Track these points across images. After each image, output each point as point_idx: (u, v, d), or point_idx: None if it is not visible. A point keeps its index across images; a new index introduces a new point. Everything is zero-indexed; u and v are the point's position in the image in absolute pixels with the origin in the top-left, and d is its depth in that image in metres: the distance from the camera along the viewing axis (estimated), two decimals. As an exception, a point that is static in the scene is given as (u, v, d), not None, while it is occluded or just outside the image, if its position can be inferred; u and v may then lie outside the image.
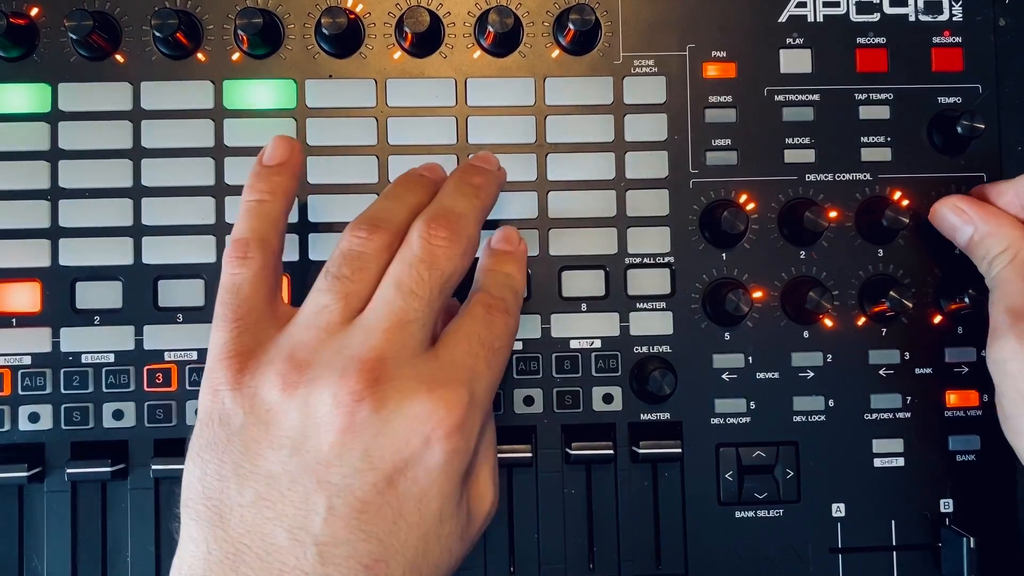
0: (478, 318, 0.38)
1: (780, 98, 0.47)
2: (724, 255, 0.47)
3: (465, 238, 0.38)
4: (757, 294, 0.47)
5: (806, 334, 0.47)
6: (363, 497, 0.33)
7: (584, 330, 0.46)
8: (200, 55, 0.46)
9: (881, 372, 0.47)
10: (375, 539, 0.33)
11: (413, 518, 0.34)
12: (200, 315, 0.45)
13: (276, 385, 0.34)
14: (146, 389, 0.45)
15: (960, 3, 0.48)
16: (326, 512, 0.33)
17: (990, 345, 0.42)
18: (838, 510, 0.47)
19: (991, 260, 0.43)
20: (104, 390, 0.45)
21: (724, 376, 0.47)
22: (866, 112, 0.48)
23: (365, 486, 0.33)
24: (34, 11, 0.45)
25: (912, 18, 0.48)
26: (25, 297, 0.45)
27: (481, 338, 0.37)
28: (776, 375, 0.47)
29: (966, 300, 0.45)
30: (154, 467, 0.44)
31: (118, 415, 0.45)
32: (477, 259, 0.43)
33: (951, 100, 0.48)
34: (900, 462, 0.47)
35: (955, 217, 0.45)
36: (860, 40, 0.48)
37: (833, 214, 0.47)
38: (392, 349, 0.34)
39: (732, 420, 0.46)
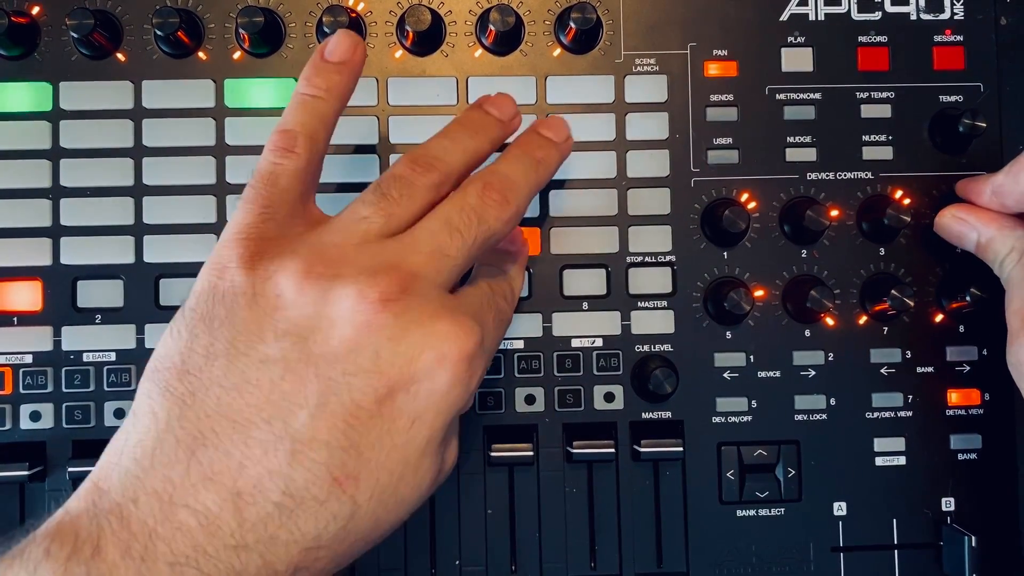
0: (484, 292, 0.38)
1: (781, 97, 0.47)
2: (725, 254, 0.47)
3: (515, 206, 0.37)
4: (758, 293, 0.47)
5: (807, 333, 0.47)
6: (359, 400, 0.32)
7: (585, 329, 0.46)
8: (201, 54, 0.46)
9: (882, 371, 0.47)
10: (355, 451, 0.31)
11: (400, 439, 0.32)
12: (201, 314, 0.45)
13: (297, 273, 0.32)
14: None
15: (961, 2, 0.48)
16: (316, 408, 0.31)
17: (1008, 348, 0.42)
18: (839, 509, 0.47)
19: (1000, 263, 0.43)
20: (105, 389, 0.45)
21: (725, 375, 0.46)
22: (867, 111, 0.48)
23: (366, 388, 0.32)
24: (35, 10, 0.45)
25: (913, 16, 0.48)
26: (26, 296, 0.45)
27: (491, 300, 0.38)
28: (777, 374, 0.47)
29: (967, 299, 0.45)
30: (155, 466, 0.43)
31: (119, 414, 0.45)
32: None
33: (952, 99, 0.48)
34: (902, 461, 0.47)
35: (957, 226, 0.45)
36: (861, 39, 0.48)
37: (834, 213, 0.47)
38: (427, 272, 0.34)
39: (733, 419, 0.46)
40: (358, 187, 0.46)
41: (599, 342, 0.46)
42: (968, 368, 0.47)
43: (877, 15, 0.48)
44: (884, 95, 0.48)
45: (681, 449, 0.45)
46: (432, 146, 0.38)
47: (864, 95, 0.48)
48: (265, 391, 0.31)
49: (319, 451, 0.31)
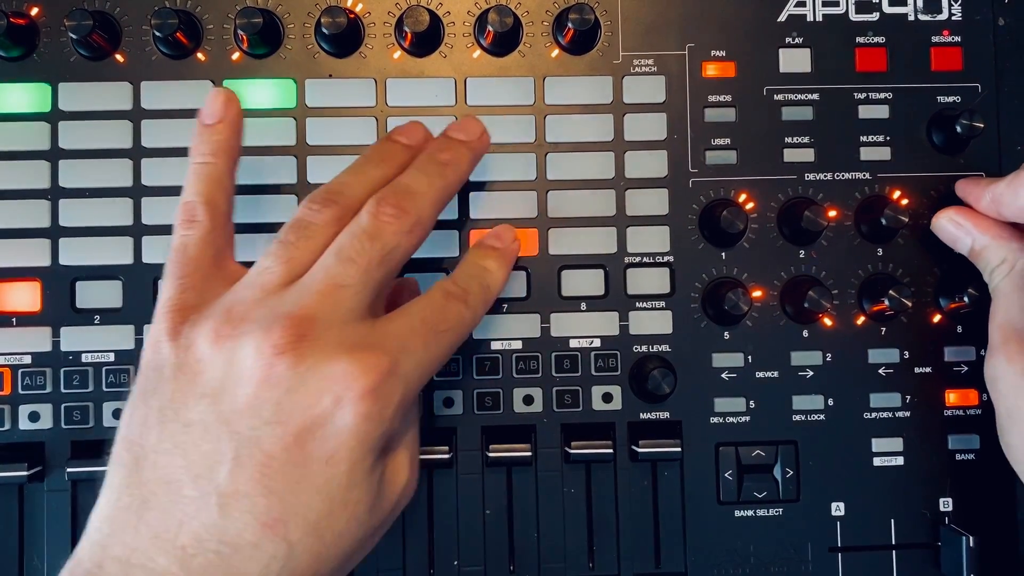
0: (432, 301, 0.38)
1: (779, 97, 0.47)
2: (723, 254, 0.47)
3: (415, 216, 0.38)
4: (756, 293, 0.47)
5: (805, 333, 0.47)
6: (269, 451, 0.33)
7: (583, 329, 0.46)
8: (200, 55, 0.46)
9: (880, 371, 0.47)
10: (276, 496, 0.33)
11: (318, 480, 0.33)
12: (200, 314, 0.45)
13: (209, 338, 0.34)
14: None
15: (959, 2, 0.48)
16: (232, 463, 0.33)
17: (986, 361, 0.43)
18: (837, 509, 0.47)
19: (991, 272, 0.44)
20: (104, 389, 0.45)
21: (723, 375, 0.47)
22: (865, 111, 0.48)
23: (272, 439, 0.33)
24: (34, 11, 0.45)
25: (911, 17, 0.48)
26: (25, 296, 0.45)
27: (425, 318, 0.37)
28: (775, 374, 0.47)
29: (966, 299, 0.45)
30: (154, 466, 0.44)
31: (118, 414, 0.44)
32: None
33: (950, 99, 0.48)
34: (899, 461, 0.47)
35: (953, 229, 0.45)
36: (859, 39, 0.48)
37: (832, 213, 0.47)
38: (322, 310, 0.35)
39: (731, 419, 0.46)
40: (356, 188, 0.46)
41: (597, 342, 0.46)
42: (966, 368, 0.47)
43: (875, 16, 0.48)
44: (882, 96, 0.48)
45: (679, 449, 0.45)
46: (332, 182, 0.39)
47: (862, 96, 0.48)
48: (191, 452, 0.33)
49: (243, 501, 0.33)
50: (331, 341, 0.34)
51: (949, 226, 0.45)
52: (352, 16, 0.46)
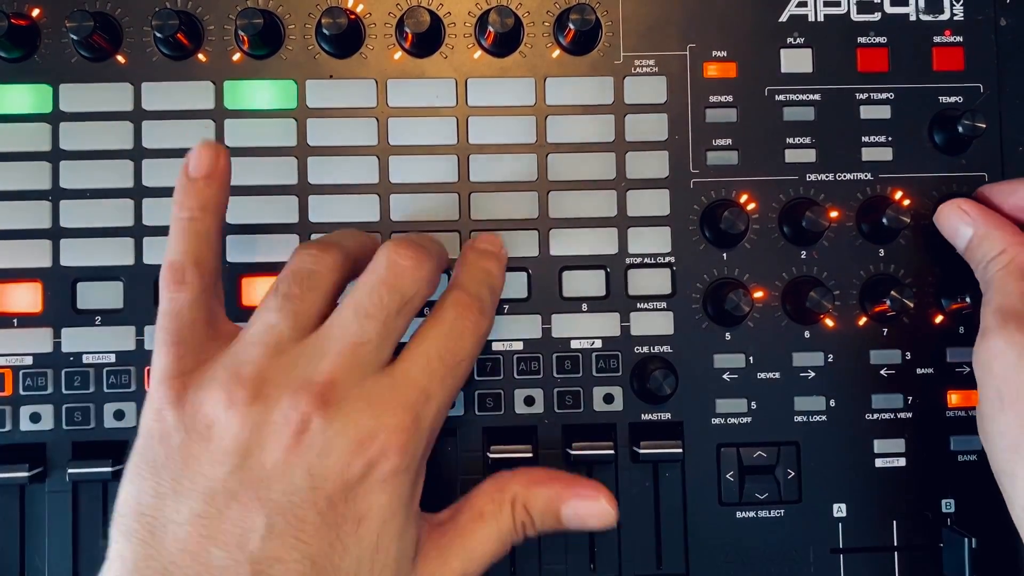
0: (446, 324, 0.38)
1: (781, 98, 0.47)
2: (725, 255, 0.47)
3: (430, 265, 0.38)
4: (758, 294, 0.47)
5: (807, 334, 0.47)
6: (303, 516, 0.33)
7: (585, 330, 0.46)
8: (201, 56, 0.46)
9: (882, 372, 0.47)
10: (309, 560, 0.32)
11: (349, 540, 0.33)
12: (201, 315, 0.45)
13: (220, 401, 0.34)
14: (147, 389, 0.45)
15: (961, 2, 0.48)
16: (265, 530, 0.32)
17: (977, 345, 0.42)
18: (839, 510, 0.47)
19: (987, 263, 0.43)
20: (105, 390, 0.45)
21: (725, 376, 0.46)
22: (867, 112, 0.47)
23: (305, 504, 0.33)
24: (35, 12, 0.45)
25: (913, 17, 0.48)
26: (26, 297, 0.45)
27: (442, 354, 0.37)
28: (777, 375, 0.47)
29: (967, 300, 0.45)
30: (155, 467, 0.44)
31: (119, 415, 0.45)
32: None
33: (952, 99, 0.48)
34: (901, 462, 0.47)
35: (957, 218, 0.45)
36: (861, 39, 0.48)
37: (834, 214, 0.47)
38: (343, 371, 0.35)
39: (733, 420, 0.46)
40: (357, 188, 0.46)
41: (598, 343, 0.46)
42: (968, 369, 0.47)
43: (876, 16, 0.48)
44: (884, 96, 0.48)
45: (680, 450, 0.45)
46: (324, 236, 0.39)
47: (863, 96, 0.48)
48: (215, 521, 0.33)
49: (277, 568, 0.32)
50: (356, 401, 0.34)
51: (953, 215, 0.45)
52: (353, 17, 0.46)
